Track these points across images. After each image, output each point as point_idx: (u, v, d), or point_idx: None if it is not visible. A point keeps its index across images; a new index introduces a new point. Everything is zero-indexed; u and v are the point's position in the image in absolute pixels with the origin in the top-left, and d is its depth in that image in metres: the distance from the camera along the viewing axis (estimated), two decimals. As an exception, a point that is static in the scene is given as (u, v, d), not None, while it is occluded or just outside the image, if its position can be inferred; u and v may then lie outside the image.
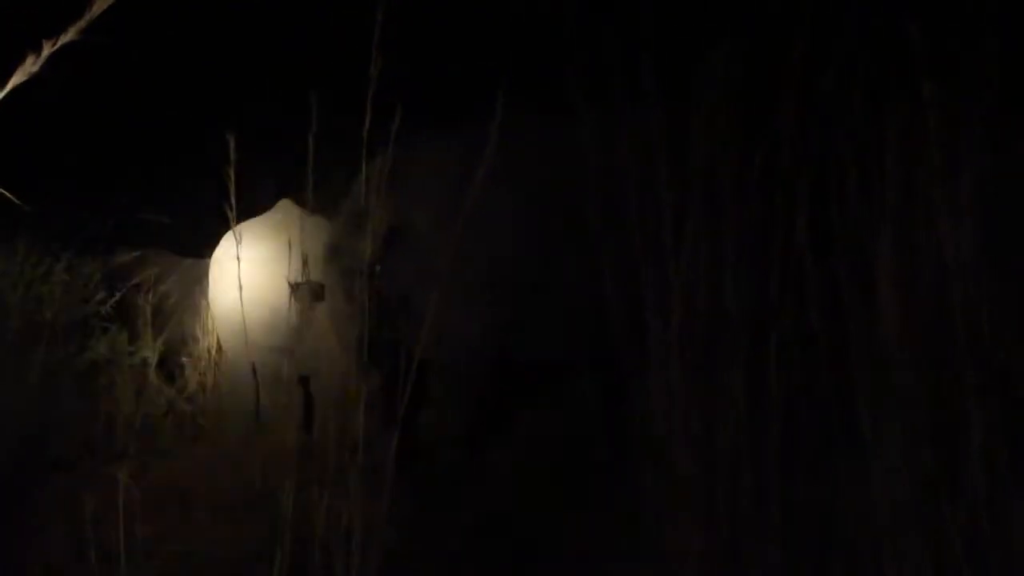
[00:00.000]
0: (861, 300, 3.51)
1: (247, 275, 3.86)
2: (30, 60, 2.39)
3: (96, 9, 2.43)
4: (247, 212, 3.71)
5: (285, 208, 6.44)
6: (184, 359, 7.66)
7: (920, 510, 3.33)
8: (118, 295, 8.79)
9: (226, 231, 3.90)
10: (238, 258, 3.81)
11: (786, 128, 3.75)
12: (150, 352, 3.47)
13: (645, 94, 4.01)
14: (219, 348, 7.31)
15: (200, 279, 7.40)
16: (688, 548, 3.91)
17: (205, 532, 5.29)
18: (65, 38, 2.39)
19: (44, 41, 2.38)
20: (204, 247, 7.31)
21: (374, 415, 5.94)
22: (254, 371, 4.05)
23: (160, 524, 5.20)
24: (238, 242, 3.80)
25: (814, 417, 3.76)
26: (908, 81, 3.45)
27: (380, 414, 5.95)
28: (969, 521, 3.25)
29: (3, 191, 2.64)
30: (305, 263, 3.91)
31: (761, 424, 3.78)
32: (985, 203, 3.33)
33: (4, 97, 2.43)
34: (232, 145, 3.71)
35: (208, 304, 7.28)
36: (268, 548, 4.20)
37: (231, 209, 3.76)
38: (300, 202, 4.37)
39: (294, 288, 3.88)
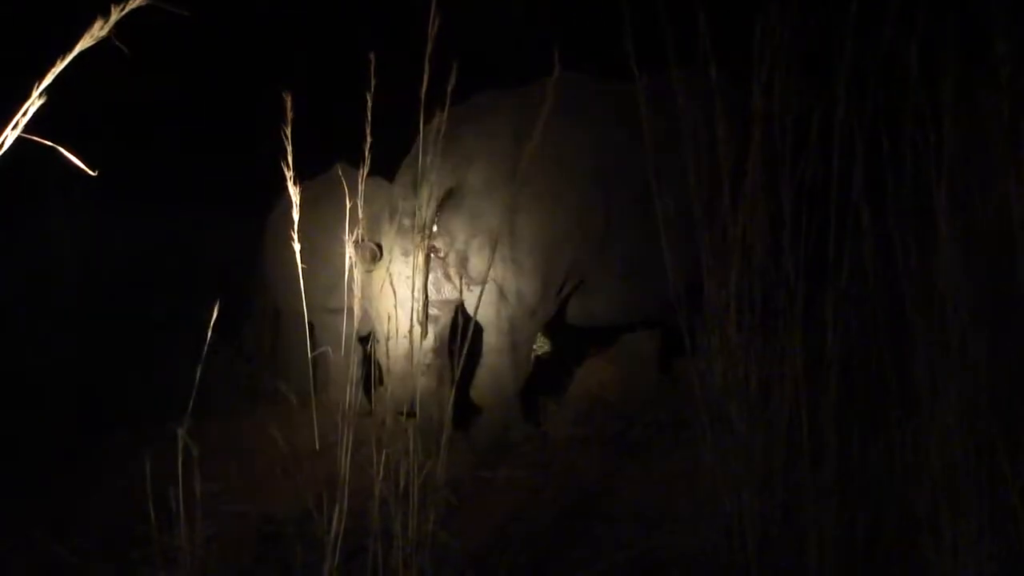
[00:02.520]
0: (919, 258, 3.49)
1: (305, 235, 3.87)
2: (98, 25, 2.40)
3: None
4: (304, 173, 3.71)
5: (341, 170, 6.46)
6: (243, 318, 7.71)
7: (977, 469, 3.32)
8: (178, 254, 8.87)
9: (284, 192, 3.91)
10: (295, 219, 3.83)
11: (844, 85, 3.73)
12: (209, 311, 3.49)
13: (702, 53, 3.99)
14: (277, 308, 7.35)
15: (260, 239, 7.44)
16: (746, 507, 3.92)
17: (263, 490, 5.33)
18: (132, 4, 2.40)
19: (112, 6, 2.39)
20: (264, 207, 7.35)
21: (431, 374, 5.98)
22: (311, 331, 4.07)
23: (218, 482, 5.25)
24: (295, 202, 3.81)
25: (871, 376, 3.76)
26: (967, 37, 3.42)
27: (437, 373, 5.98)
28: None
29: (67, 153, 2.65)
30: (363, 224, 3.92)
31: (818, 383, 3.78)
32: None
33: (71, 61, 2.44)
34: (289, 105, 3.72)
35: (267, 264, 7.31)
36: (326, 506, 4.23)
37: (288, 169, 3.78)
38: (356, 163, 4.38)
39: (352, 248, 3.88)
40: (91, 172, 2.71)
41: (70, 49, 2.41)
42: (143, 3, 2.39)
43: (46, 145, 2.57)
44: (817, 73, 3.83)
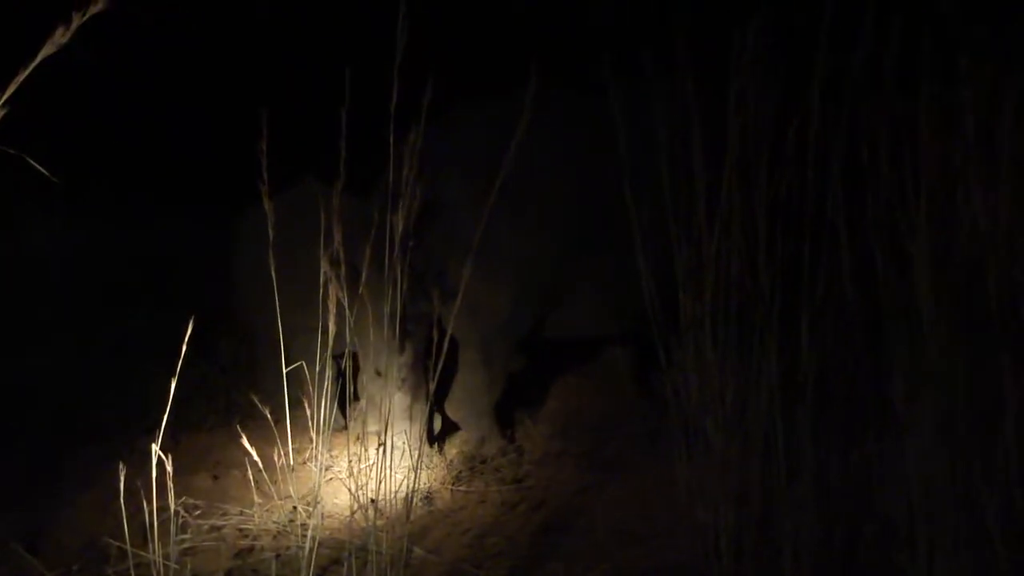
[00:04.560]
0: (895, 273, 3.50)
1: (278, 251, 3.87)
2: (59, 32, 2.38)
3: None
4: (272, 188, 3.72)
5: (310, 184, 6.42)
6: (219, 332, 7.68)
7: (955, 485, 3.32)
8: (154, 267, 8.85)
9: (256, 206, 3.93)
10: (270, 233, 3.82)
11: (819, 100, 3.74)
12: (185, 324, 3.48)
13: (678, 68, 4.00)
14: (256, 322, 7.30)
15: (235, 253, 7.40)
16: (722, 521, 3.92)
17: (238, 504, 5.32)
18: (94, 8, 2.39)
19: (73, 12, 2.38)
20: (238, 221, 7.31)
21: (407, 390, 5.96)
22: (285, 347, 4.06)
23: (193, 497, 5.23)
24: (270, 218, 3.81)
25: (848, 391, 3.76)
26: (941, 52, 3.42)
27: (412, 389, 5.96)
28: (1004, 497, 3.24)
29: (34, 163, 2.64)
30: (337, 239, 3.92)
31: (794, 398, 3.78)
32: (1021, 174, 3.31)
33: (36, 69, 2.43)
34: (264, 119, 3.72)
35: (241, 278, 7.27)
36: (301, 521, 4.22)
37: (263, 184, 3.77)
38: (325, 178, 4.38)
39: (326, 264, 3.88)
40: (55, 180, 2.70)
41: (32, 57, 2.40)
42: (103, 9, 2.38)
43: (17, 156, 2.56)
44: (792, 85, 3.84)
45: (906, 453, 3.44)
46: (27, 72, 2.40)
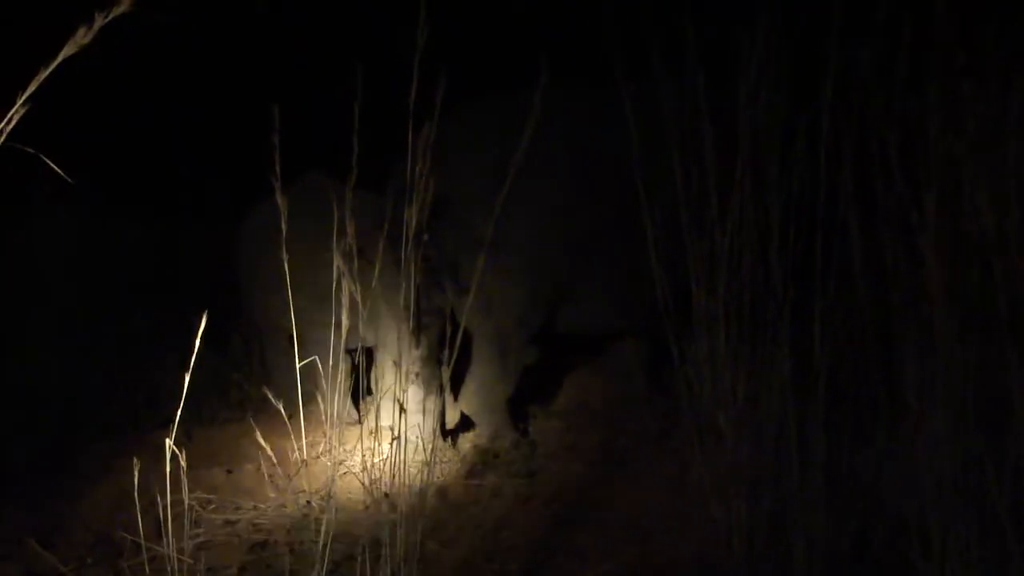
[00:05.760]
0: (906, 270, 3.49)
1: (290, 246, 3.86)
2: (81, 32, 2.39)
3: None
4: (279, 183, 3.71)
5: (317, 180, 6.41)
6: (229, 328, 7.67)
7: (965, 481, 3.32)
8: (166, 262, 8.84)
9: (262, 202, 3.93)
10: (283, 228, 3.81)
11: (830, 97, 3.73)
12: (197, 319, 3.47)
13: (688, 65, 4.00)
14: (265, 317, 7.29)
15: (248, 248, 7.38)
16: (733, 516, 3.92)
17: (251, 499, 5.33)
18: (117, 10, 2.40)
19: (96, 13, 2.39)
20: (251, 216, 7.30)
21: (420, 383, 5.97)
22: (296, 342, 4.05)
23: (206, 491, 5.24)
24: (282, 211, 3.80)
25: (859, 386, 3.76)
26: (948, 49, 3.42)
27: (426, 382, 5.96)
28: (1014, 493, 3.23)
29: (47, 160, 2.65)
30: (350, 233, 3.91)
31: (806, 393, 3.78)
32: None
33: (56, 68, 2.44)
34: (276, 114, 3.71)
35: (247, 274, 7.25)
36: (315, 514, 4.21)
37: (276, 178, 3.76)
38: (334, 173, 4.38)
39: (341, 259, 3.87)
40: (70, 180, 2.71)
41: (54, 56, 2.41)
42: (127, 10, 2.39)
43: (29, 153, 2.57)
44: (803, 81, 3.84)
45: (917, 448, 3.43)
46: (49, 71, 2.42)
